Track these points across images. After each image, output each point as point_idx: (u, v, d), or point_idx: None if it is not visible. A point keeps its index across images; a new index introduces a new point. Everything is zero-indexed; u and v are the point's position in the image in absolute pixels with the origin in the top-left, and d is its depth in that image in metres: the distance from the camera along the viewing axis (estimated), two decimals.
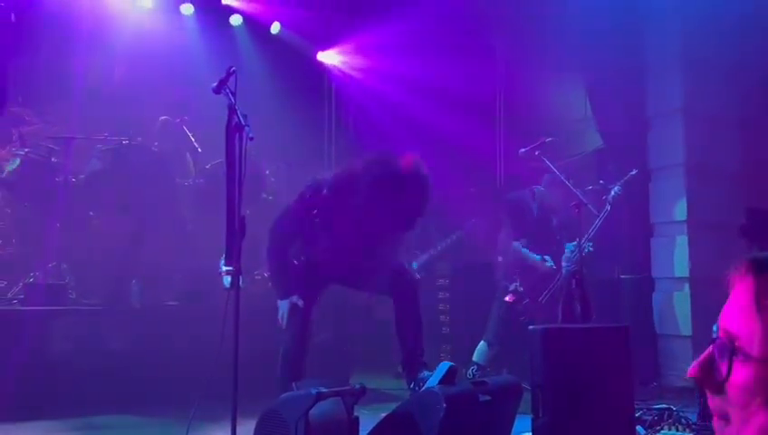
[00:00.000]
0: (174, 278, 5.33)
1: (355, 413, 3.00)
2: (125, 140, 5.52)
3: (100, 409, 4.33)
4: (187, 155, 6.17)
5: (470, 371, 5.28)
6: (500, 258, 5.64)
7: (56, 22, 5.54)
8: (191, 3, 6.71)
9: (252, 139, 3.00)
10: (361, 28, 6.98)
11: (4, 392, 4.05)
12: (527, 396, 3.11)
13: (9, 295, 5.02)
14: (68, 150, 5.31)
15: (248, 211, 3.88)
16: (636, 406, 3.50)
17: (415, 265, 6.31)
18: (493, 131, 7.35)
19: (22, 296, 4.87)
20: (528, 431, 3.16)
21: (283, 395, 3.05)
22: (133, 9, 6.47)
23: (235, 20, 6.94)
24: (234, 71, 3.16)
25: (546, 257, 5.20)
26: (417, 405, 2.99)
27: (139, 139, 5.64)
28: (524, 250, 5.25)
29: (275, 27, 7.09)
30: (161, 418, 4.27)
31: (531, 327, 3.14)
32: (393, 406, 3.12)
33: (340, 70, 7.54)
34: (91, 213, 5.47)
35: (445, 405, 2.83)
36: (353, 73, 7.41)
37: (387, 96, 7.03)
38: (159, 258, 5.36)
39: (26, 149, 5.44)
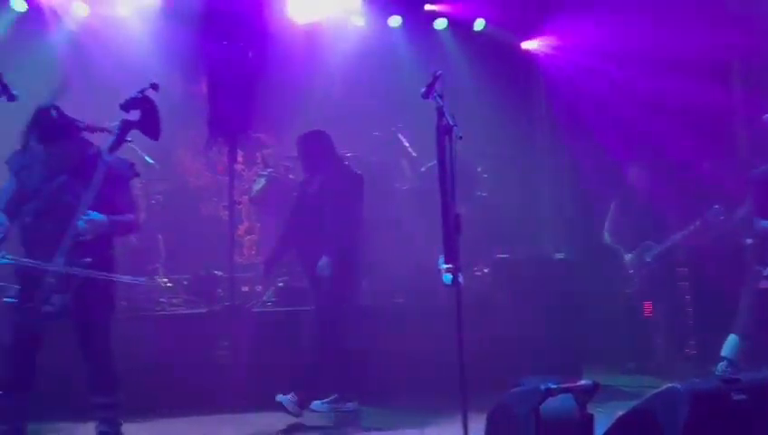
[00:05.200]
0: (399, 277, 5.61)
1: (588, 410, 2.89)
2: (348, 153, 5.96)
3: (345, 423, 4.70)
4: (403, 161, 6.46)
5: (719, 367, 4.75)
6: (749, 241, 4.99)
7: (281, 52, 6.19)
8: (398, 15, 7.01)
9: (461, 138, 3.05)
10: (567, 7, 6.67)
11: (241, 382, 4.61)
12: None
13: (264, 298, 5.71)
14: (298, 168, 5.86)
15: (463, 209, 3.94)
16: None
17: (648, 257, 5.89)
18: (729, 99, 6.55)
19: (275, 299, 5.52)
20: None
21: (513, 390, 3.05)
22: (346, 29, 6.97)
23: (440, 24, 7.10)
24: (440, 74, 3.25)
25: None
26: (659, 403, 2.78)
27: (357, 151, 6.05)
28: None
29: (479, 24, 7.11)
30: (397, 409, 4.53)
31: None
32: (629, 404, 2.93)
33: (548, 55, 7.30)
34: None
35: (689, 404, 2.60)
36: (563, 56, 7.12)
37: (602, 75, 6.62)
38: (385, 259, 5.68)
39: (269, 170, 6.16)
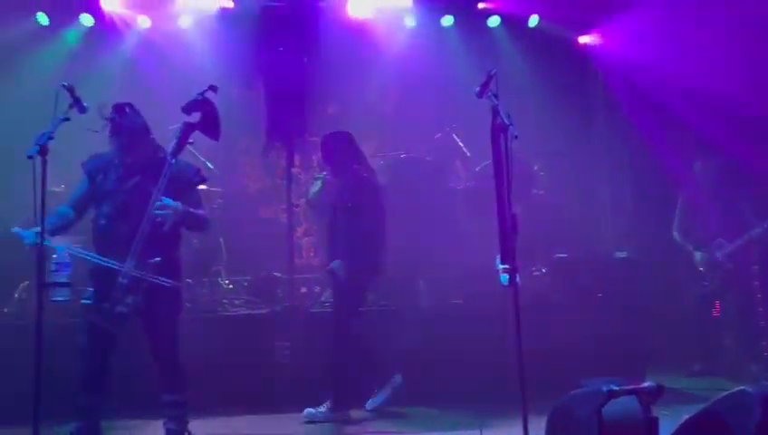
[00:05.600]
0: (456, 278, 5.60)
1: (653, 413, 2.81)
2: (402, 154, 6.00)
3: (401, 401, 4.75)
4: (458, 161, 6.44)
5: None
6: None
7: (334, 57, 6.27)
8: (451, 14, 6.99)
9: (516, 137, 3.03)
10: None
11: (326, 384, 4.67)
12: None
13: (322, 299, 5.79)
14: None
15: (519, 208, 3.90)
16: None
17: (720, 255, 5.69)
18: None
19: (331, 300, 5.58)
20: None
21: (574, 392, 3.00)
22: (398, 30, 6.99)
23: (493, 21, 7.04)
24: (494, 73, 3.23)
25: None
26: (728, 407, 2.68)
27: (411, 152, 6.07)
28: None
29: (533, 20, 7.01)
30: (456, 411, 4.52)
31: None
32: (696, 407, 2.84)
33: (605, 50, 7.12)
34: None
35: (762, 406, 2.50)
36: (621, 50, 6.92)
37: (663, 69, 6.39)
38: (442, 259, 5.68)
39: (325, 173, 6.23)
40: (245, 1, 6.53)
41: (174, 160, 3.64)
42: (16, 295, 5.28)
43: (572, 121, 6.89)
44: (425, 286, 5.63)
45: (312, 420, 4.45)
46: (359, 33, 6.83)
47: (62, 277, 3.23)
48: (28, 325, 3.15)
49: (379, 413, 4.65)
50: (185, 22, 6.73)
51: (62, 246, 3.33)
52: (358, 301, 4.70)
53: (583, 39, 7.18)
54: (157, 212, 3.50)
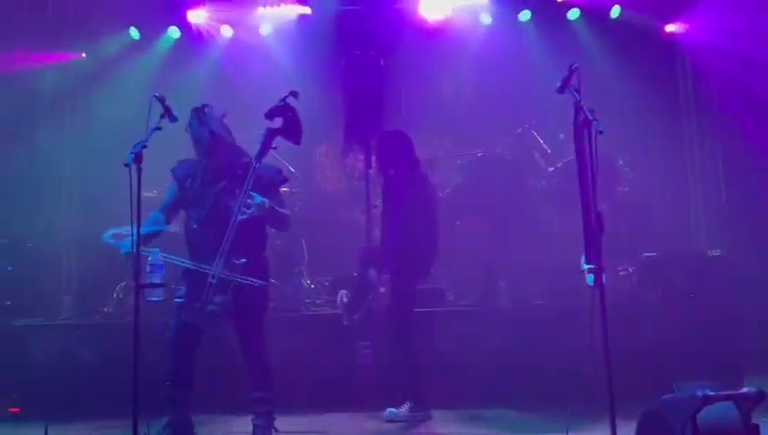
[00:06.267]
0: (538, 277, 5.48)
1: (753, 421, 2.66)
2: (480, 153, 5.94)
3: (483, 402, 4.70)
4: (537, 157, 6.31)
5: None
6: None
7: (411, 58, 6.29)
8: (528, 9, 6.87)
9: (601, 132, 2.94)
10: None
11: (402, 384, 4.69)
12: None
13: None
14: (434, 169, 5.93)
15: (605, 206, 3.78)
16: None
17: None
18: None
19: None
20: None
21: (666, 397, 2.87)
22: (474, 28, 6.93)
23: (572, 14, 6.86)
24: (576, 68, 3.15)
25: None
26: None
27: (489, 151, 6.00)
28: None
29: (615, 11, 6.77)
30: (540, 414, 4.42)
31: None
32: None
33: (694, 39, 6.77)
34: (458, 222, 6.00)
35: None
36: (711, 39, 6.55)
37: (760, 57, 6.00)
38: (522, 259, 5.58)
39: None
40: (322, 7, 6.68)
41: (258, 164, 3.76)
42: (115, 295, 5.61)
43: (660, 115, 6.62)
44: (505, 287, 5.54)
45: (393, 420, 4.47)
46: (435, 33, 6.82)
47: (156, 278, 3.39)
48: (126, 324, 3.31)
49: (459, 414, 4.61)
50: (265, 30, 6.97)
51: (156, 250, 3.50)
52: (412, 301, 4.69)
53: (670, 28, 6.87)
54: (244, 210, 3.62)
